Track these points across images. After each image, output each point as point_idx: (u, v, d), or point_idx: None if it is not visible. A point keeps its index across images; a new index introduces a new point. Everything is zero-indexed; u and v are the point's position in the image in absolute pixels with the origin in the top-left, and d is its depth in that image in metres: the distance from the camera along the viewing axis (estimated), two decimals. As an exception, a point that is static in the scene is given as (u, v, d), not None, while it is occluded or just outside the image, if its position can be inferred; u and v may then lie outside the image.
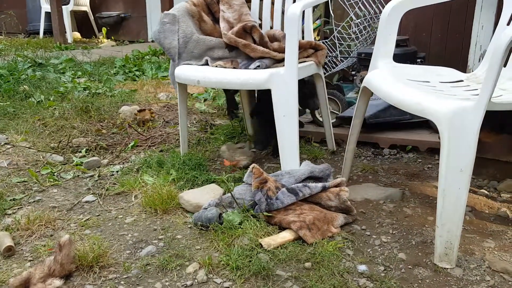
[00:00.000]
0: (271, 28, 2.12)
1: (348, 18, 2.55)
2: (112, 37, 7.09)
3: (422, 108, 1.31)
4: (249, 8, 2.10)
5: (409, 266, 1.29)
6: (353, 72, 2.60)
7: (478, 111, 1.20)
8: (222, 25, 2.00)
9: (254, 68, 1.76)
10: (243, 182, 1.63)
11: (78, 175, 1.95)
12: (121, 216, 1.60)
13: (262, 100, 2.02)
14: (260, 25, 2.10)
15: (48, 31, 6.87)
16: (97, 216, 1.60)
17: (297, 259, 1.31)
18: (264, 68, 1.76)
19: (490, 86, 1.17)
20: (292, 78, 1.65)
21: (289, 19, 1.63)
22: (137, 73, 4.14)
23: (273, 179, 1.59)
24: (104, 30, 7.02)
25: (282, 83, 1.65)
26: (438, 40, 2.97)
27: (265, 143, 1.91)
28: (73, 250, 1.27)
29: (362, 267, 1.28)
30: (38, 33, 7.17)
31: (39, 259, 1.33)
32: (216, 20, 2.05)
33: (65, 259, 1.23)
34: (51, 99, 3.05)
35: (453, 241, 1.27)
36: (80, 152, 2.17)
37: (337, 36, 2.58)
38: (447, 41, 2.95)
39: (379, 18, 2.56)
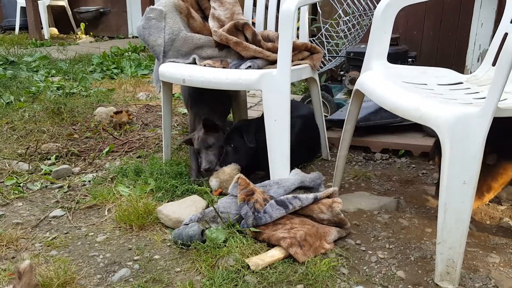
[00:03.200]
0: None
1: (336, 15, 2.43)
2: (91, 33, 6.85)
3: (420, 114, 1.20)
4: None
5: (409, 286, 1.19)
6: (342, 72, 2.49)
7: (484, 118, 1.10)
8: (212, 23, 1.86)
9: (245, 69, 1.63)
10: (228, 193, 1.50)
11: (46, 186, 1.78)
12: (92, 233, 1.45)
13: None
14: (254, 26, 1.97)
15: (24, 27, 6.59)
16: (65, 234, 1.45)
17: (288, 281, 1.19)
18: (256, 69, 1.64)
19: (498, 90, 1.08)
20: (284, 80, 1.53)
21: (284, 16, 1.50)
22: (115, 71, 3.96)
23: (260, 190, 1.46)
24: (82, 25, 6.78)
25: (274, 84, 1.53)
26: (430, 38, 2.88)
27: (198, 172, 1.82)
28: (35, 277, 1.12)
29: (358, 289, 1.17)
30: (14, 29, 6.88)
31: (-3, 286, 1.18)
32: (205, 17, 1.91)
33: (25, 289, 1.07)
34: (22, 100, 2.86)
35: (456, 258, 1.17)
36: (49, 159, 2.00)
37: (324, 34, 2.46)
38: (439, 39, 2.85)
39: (368, 16, 2.45)
